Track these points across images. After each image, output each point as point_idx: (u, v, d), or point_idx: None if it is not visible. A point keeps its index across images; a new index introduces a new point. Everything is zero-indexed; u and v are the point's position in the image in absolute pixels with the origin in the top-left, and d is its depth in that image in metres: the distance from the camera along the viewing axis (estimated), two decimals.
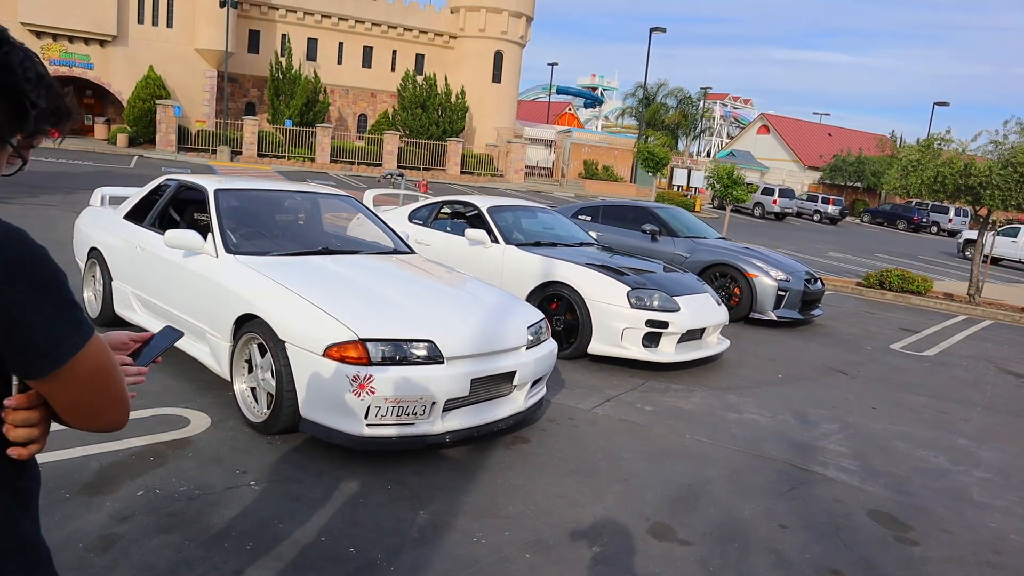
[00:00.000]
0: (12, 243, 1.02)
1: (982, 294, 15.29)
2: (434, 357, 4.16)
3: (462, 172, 36.26)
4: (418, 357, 4.11)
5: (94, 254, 6.32)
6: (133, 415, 4.47)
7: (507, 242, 7.75)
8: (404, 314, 4.37)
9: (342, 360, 3.98)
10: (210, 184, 5.51)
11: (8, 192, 14.95)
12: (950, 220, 42.17)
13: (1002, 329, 12.59)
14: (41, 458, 3.58)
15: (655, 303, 6.92)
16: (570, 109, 62.06)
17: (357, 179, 29.72)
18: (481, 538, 3.50)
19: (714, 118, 48.46)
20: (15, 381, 1.10)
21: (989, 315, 13.58)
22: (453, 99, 36.24)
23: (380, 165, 34.13)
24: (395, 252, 5.69)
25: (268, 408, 4.40)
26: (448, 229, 8.55)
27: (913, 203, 43.86)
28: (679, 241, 10.73)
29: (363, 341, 4.01)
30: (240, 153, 31.32)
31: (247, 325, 4.50)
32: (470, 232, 7.70)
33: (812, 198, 42.15)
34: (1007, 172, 13.49)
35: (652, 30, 38.42)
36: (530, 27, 40.44)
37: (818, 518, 4.19)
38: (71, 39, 31.14)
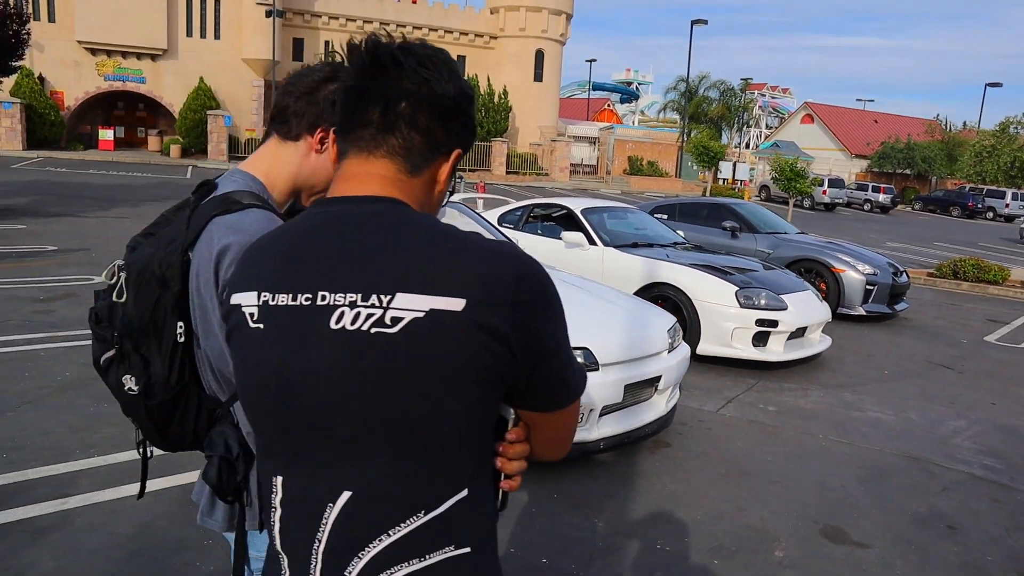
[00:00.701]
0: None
1: None
2: (590, 364, 4.17)
3: (507, 172, 36.32)
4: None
5: None
6: None
7: (605, 244, 7.73)
8: (600, 327, 4.41)
9: None
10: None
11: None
12: (1007, 205, 40.86)
13: None
14: None
15: (763, 302, 6.84)
16: (608, 105, 61.69)
17: None
18: (664, 545, 3.49)
19: (757, 110, 47.68)
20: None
21: None
22: (496, 99, 36.30)
23: None
24: None
25: None
26: (540, 232, 8.55)
27: (967, 188, 42.75)
28: (760, 237, 10.60)
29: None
30: None
31: None
32: (567, 235, 7.69)
33: (862, 187, 41.29)
34: None
35: (694, 22, 37.99)
36: (570, 24, 40.31)
37: (984, 519, 4.10)
38: (124, 55, 31.87)
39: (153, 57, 32.30)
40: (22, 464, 3.75)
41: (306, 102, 1.48)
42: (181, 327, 1.40)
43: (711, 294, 6.85)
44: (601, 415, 4.25)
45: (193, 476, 3.74)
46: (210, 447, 1.39)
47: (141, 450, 1.56)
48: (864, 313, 9.59)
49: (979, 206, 41.16)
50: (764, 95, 74.83)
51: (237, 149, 31.93)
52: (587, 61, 57.82)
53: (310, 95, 1.48)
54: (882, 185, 40.29)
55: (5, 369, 5.17)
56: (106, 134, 31.67)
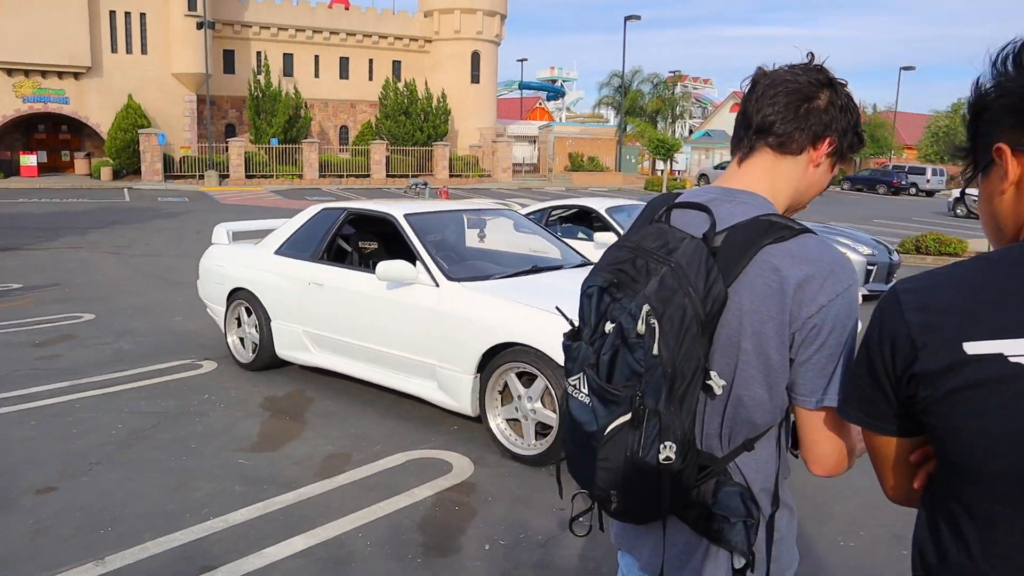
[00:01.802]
0: None
1: None
2: None
3: (451, 175, 35.93)
4: None
5: (240, 295, 5.98)
6: (395, 463, 4.22)
7: None
8: None
9: None
10: (395, 210, 5.25)
11: (23, 238, 14.36)
12: (928, 181, 43.00)
13: None
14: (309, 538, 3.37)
15: None
16: (540, 103, 61.93)
17: (351, 192, 29.24)
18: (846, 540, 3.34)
19: (690, 101, 48.73)
20: None
21: None
22: (434, 103, 35.88)
23: (368, 176, 33.65)
24: (584, 264, 5.48)
25: (537, 439, 4.20)
26: (561, 234, 8.34)
27: (891, 167, 44.68)
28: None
29: None
30: (228, 176, 30.57)
31: (500, 355, 4.28)
32: (600, 235, 7.51)
33: None
34: None
35: (627, 18, 38.44)
36: (504, 25, 40.22)
37: None
38: (44, 74, 30.03)
39: (76, 75, 30.56)
40: (136, 537, 3.32)
41: (804, 112, 1.32)
42: (714, 377, 1.25)
43: None
44: None
45: (325, 532, 3.40)
46: (726, 510, 1.28)
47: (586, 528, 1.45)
48: (867, 293, 9.74)
49: (903, 183, 43.12)
50: (687, 86, 76.56)
51: (172, 168, 30.55)
52: (518, 61, 57.83)
53: (806, 104, 1.32)
54: None
55: (48, 426, 4.65)
56: (28, 159, 29.76)
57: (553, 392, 4.04)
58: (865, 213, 28.28)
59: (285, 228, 5.96)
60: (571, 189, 35.94)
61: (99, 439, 4.45)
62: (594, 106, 47.65)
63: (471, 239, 5.90)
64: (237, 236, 6.64)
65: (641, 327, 1.18)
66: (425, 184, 17.45)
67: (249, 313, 5.99)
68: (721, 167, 42.23)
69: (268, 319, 5.76)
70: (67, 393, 5.31)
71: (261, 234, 6.86)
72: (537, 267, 5.15)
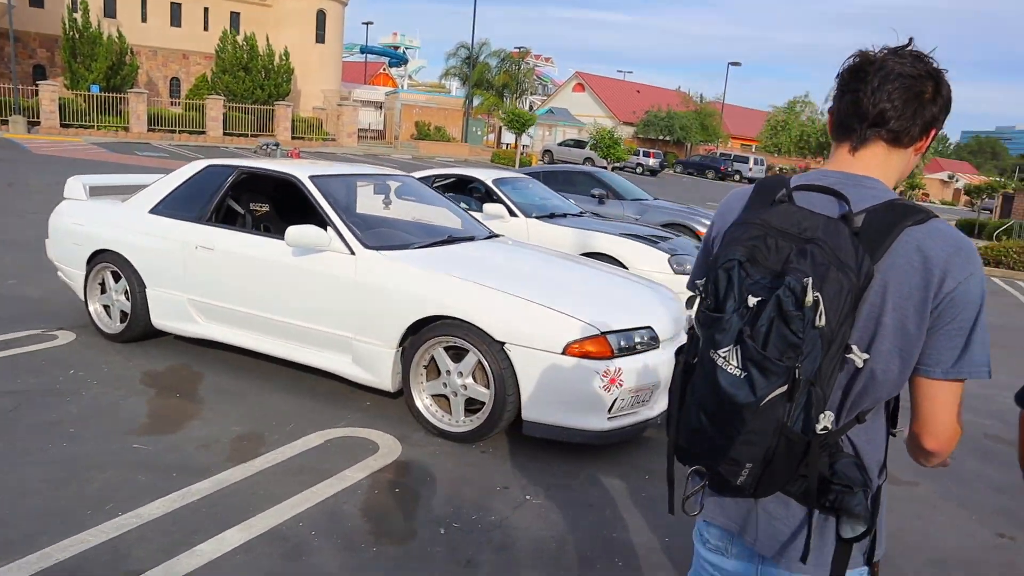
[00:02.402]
0: None
1: None
2: (653, 342, 4.07)
3: (292, 137, 34.12)
4: (642, 345, 4.01)
5: (105, 258, 5.29)
6: (314, 444, 3.91)
7: (526, 215, 7.56)
8: (611, 303, 4.21)
9: (585, 356, 3.79)
10: (298, 171, 4.82)
11: None
12: (750, 169, 46.76)
13: None
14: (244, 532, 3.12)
15: (689, 267, 7.13)
16: (384, 69, 60.25)
17: (185, 150, 26.97)
18: None
19: (536, 78, 49.40)
20: None
21: None
22: (276, 61, 33.78)
23: (204, 132, 31.19)
24: (492, 236, 5.35)
25: (467, 416, 4.07)
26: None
27: (719, 154, 48.10)
28: (627, 204, 11.02)
29: (604, 335, 3.86)
30: (39, 123, 27.07)
31: (426, 329, 4.08)
32: (489, 207, 7.38)
33: (634, 152, 44.65)
34: None
35: None
36: None
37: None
38: None
39: None
40: (30, 543, 2.82)
41: (917, 108, 1.38)
42: (855, 350, 1.31)
43: (645, 262, 7.00)
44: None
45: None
46: (846, 479, 1.33)
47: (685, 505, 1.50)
48: None
49: (729, 170, 46.59)
50: (529, 63, 77.60)
51: None
52: (363, 24, 55.74)
53: (919, 98, 1.38)
54: (651, 151, 43.88)
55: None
56: None
57: (487, 367, 3.91)
58: (700, 195, 30.15)
59: (160, 184, 5.31)
60: (417, 158, 35.40)
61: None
62: (441, 76, 46.97)
63: (376, 206, 5.58)
64: (95, 191, 5.84)
65: (809, 299, 1.21)
66: (277, 145, 16.38)
67: (117, 278, 5.31)
68: (565, 144, 43.43)
69: (142, 286, 5.14)
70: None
71: (124, 190, 6.10)
72: (452, 237, 4.96)
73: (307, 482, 3.47)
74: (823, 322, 1.21)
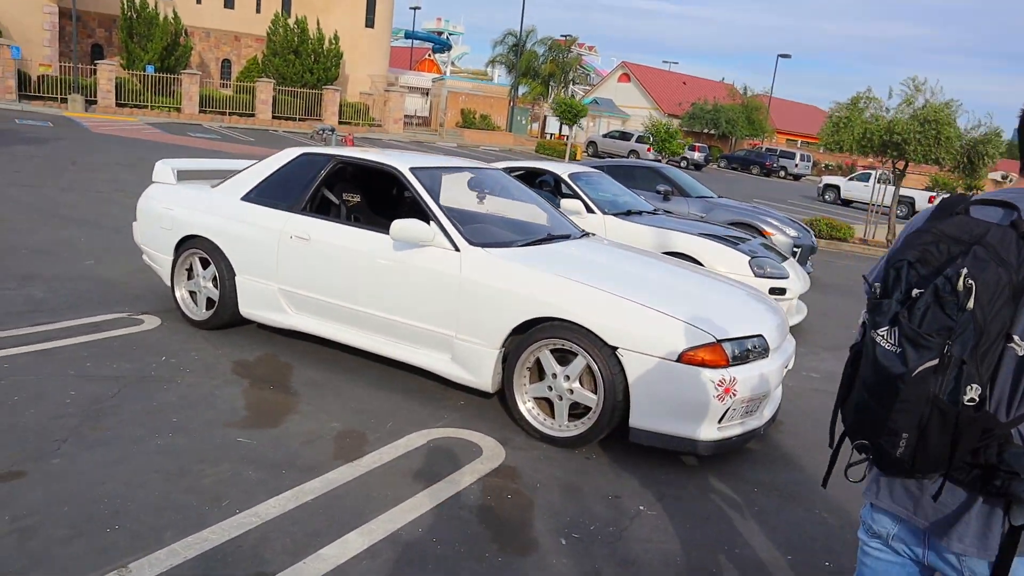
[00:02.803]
0: None
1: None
2: (764, 351, 3.92)
3: (340, 122, 34.27)
4: (754, 354, 3.86)
5: (195, 244, 5.26)
6: (417, 444, 3.83)
7: (603, 212, 7.40)
8: (722, 309, 4.05)
9: (703, 364, 3.66)
10: (398, 162, 4.73)
11: None
12: (796, 165, 45.97)
13: None
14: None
15: (770, 270, 6.91)
16: (429, 55, 60.23)
17: (236, 131, 27.24)
18: None
19: (581, 67, 48.89)
20: None
21: None
22: (326, 45, 33.90)
23: (253, 115, 31.48)
24: (586, 235, 5.21)
25: (570, 420, 3.95)
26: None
27: (764, 149, 47.23)
28: (692, 201, 10.77)
29: (720, 343, 3.71)
30: (95, 102, 27.53)
31: (534, 331, 3.96)
32: (566, 203, 7.24)
33: (689, 146, 44.02)
34: (926, 129, 14.72)
35: None
36: None
37: None
38: None
39: None
40: (155, 538, 2.77)
41: None
42: (1016, 340, 1.40)
43: (726, 264, 6.80)
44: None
45: None
46: (1018, 466, 1.39)
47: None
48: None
49: (775, 165, 45.75)
50: (575, 52, 76.99)
51: (28, 87, 27.09)
52: (411, 8, 55.72)
53: None
54: (696, 144, 43.24)
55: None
56: None
57: (597, 372, 3.78)
58: (745, 192, 29.62)
59: (253, 172, 5.26)
60: (462, 146, 35.36)
61: (53, 410, 3.74)
62: (487, 63, 46.83)
63: (466, 200, 5.47)
64: (183, 176, 5.83)
65: (960, 285, 1.35)
66: (332, 130, 16.37)
67: (205, 265, 5.29)
68: (610, 136, 42.95)
69: (232, 273, 5.10)
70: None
71: (212, 175, 6.09)
72: (551, 236, 4.84)
73: (418, 485, 3.38)
74: (973, 305, 1.34)
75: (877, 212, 17.45)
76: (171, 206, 5.43)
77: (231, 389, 4.27)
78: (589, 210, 7.39)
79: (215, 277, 5.23)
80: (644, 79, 56.13)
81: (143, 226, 5.67)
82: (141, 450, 3.44)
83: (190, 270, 5.43)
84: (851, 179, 33.62)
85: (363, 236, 4.53)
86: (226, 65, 35.69)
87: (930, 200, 29.83)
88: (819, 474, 4.02)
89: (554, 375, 3.96)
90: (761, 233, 10.08)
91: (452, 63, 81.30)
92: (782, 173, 46.29)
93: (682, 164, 43.28)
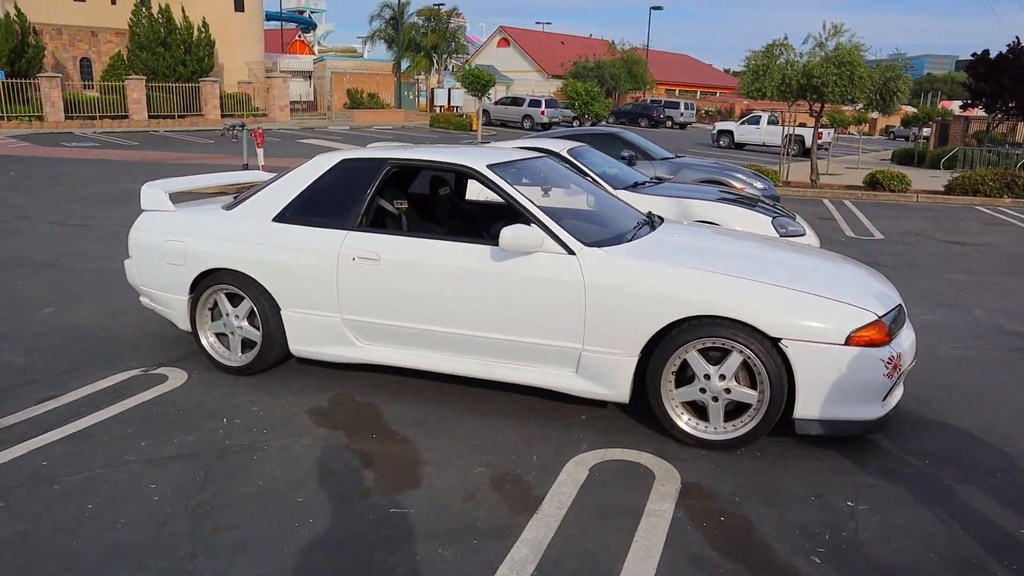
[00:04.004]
0: None
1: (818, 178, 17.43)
2: (904, 320, 3.78)
3: (223, 115, 32.10)
4: (898, 324, 3.71)
5: (220, 278, 4.52)
6: (581, 476, 3.40)
7: (615, 187, 7.05)
8: (855, 284, 3.85)
9: (869, 344, 3.45)
10: (471, 160, 4.18)
11: None
12: (681, 115, 47.33)
13: (873, 207, 14.55)
14: None
15: (791, 229, 6.82)
16: (299, 36, 57.33)
17: (114, 137, 24.90)
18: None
19: (462, 37, 47.87)
20: None
21: (830, 195, 15.51)
22: (196, 34, 31.47)
23: (127, 117, 28.91)
24: (662, 219, 4.84)
25: (728, 421, 3.65)
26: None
27: (649, 101, 48.21)
28: (657, 164, 10.60)
29: (881, 319, 3.53)
30: None
31: (678, 333, 3.60)
32: None
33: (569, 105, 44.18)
34: (842, 71, 15.20)
35: None
36: None
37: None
38: None
39: None
40: None
41: None
42: None
43: (751, 228, 6.64)
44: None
45: None
46: None
47: None
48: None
49: (661, 116, 46.81)
50: (457, 21, 75.47)
51: None
52: None
53: None
54: None
55: (33, 508, 3.11)
56: None
57: (761, 366, 3.50)
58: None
59: (279, 187, 4.55)
60: (355, 128, 34.02)
61: (148, 516, 3.04)
62: (365, 38, 44.94)
63: (534, 194, 4.96)
64: (177, 198, 5.03)
65: None
66: (243, 126, 15.04)
67: (235, 301, 4.58)
68: (501, 102, 42.45)
69: (275, 307, 4.43)
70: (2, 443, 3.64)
71: (205, 194, 5.31)
72: (641, 224, 4.45)
73: (626, 526, 2.98)
74: None
75: (787, 154, 17.94)
76: (180, 237, 4.65)
77: (332, 446, 3.68)
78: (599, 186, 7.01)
79: (252, 314, 4.53)
80: (523, 42, 55.85)
81: (142, 264, 4.85)
82: (294, 547, 2.85)
83: (213, 310, 4.69)
84: (742, 123, 34.88)
85: (450, 249, 3.98)
86: (86, 64, 32.56)
87: (818, 136, 31.42)
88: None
89: (706, 376, 3.63)
90: (732, 188, 10.06)
91: (319, 43, 78.09)
92: (669, 123, 47.50)
93: (574, 124, 43.58)
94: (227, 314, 4.60)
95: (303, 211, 4.40)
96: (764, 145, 33.05)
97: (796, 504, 3.19)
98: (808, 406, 3.54)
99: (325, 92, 38.40)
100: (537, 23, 60.52)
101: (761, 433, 3.60)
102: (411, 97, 43.30)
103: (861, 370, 3.47)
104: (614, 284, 3.67)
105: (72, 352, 4.94)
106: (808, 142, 31.48)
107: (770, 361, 3.49)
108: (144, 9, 29.81)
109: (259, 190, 4.65)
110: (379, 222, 4.63)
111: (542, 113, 39.78)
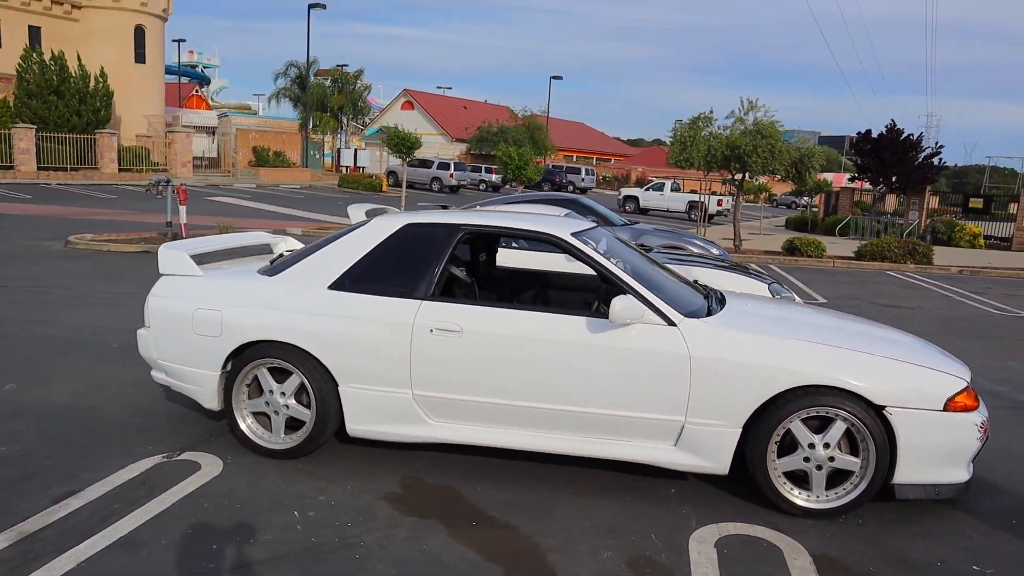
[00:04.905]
0: None
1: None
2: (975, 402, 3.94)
3: (120, 170, 30.44)
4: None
5: (263, 352, 4.16)
6: (717, 558, 3.29)
7: None
8: (932, 354, 4.00)
9: (964, 410, 3.62)
10: (554, 228, 4.11)
11: None
12: (582, 180, 49.12)
13: (798, 271, 15.44)
14: None
15: (784, 295, 7.10)
16: (197, 91, 55.64)
17: (3, 188, 23.02)
18: None
19: (367, 96, 47.91)
20: None
21: (755, 260, 16.40)
22: (92, 83, 29.91)
23: (12, 168, 26.87)
24: (718, 291, 4.91)
25: (829, 490, 3.68)
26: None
27: (551, 166, 49.77)
28: (618, 230, 10.85)
29: (970, 385, 3.69)
30: None
31: (784, 402, 3.62)
32: None
33: (475, 169, 44.99)
34: (764, 143, 16.29)
35: (311, 6, 36.52)
36: None
37: None
38: None
39: None
40: None
41: None
42: None
43: (750, 292, 6.85)
44: None
45: None
46: None
47: None
48: None
49: (563, 181, 48.34)
50: (364, 82, 75.46)
51: None
52: (175, 41, 51.10)
53: None
54: (493, 167, 44.35)
55: None
56: None
57: (866, 433, 3.58)
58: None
59: (336, 251, 4.27)
60: (261, 186, 33.19)
61: None
62: (270, 96, 44.13)
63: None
64: (203, 259, 4.66)
65: None
66: (167, 182, 14.28)
67: (280, 377, 4.22)
68: (411, 164, 42.56)
69: (333, 383, 4.12)
70: (33, 559, 3.12)
71: (230, 254, 4.97)
72: (710, 293, 4.49)
73: None
74: None
75: (704, 220, 18.86)
76: (215, 305, 4.26)
77: (434, 538, 3.40)
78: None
79: (299, 391, 4.19)
80: (427, 105, 56.60)
81: (163, 335, 4.40)
82: None
83: (252, 387, 4.31)
84: (647, 189, 36.53)
85: (543, 320, 3.85)
86: None
87: (719, 203, 33.28)
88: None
89: (811, 445, 3.64)
90: (690, 253, 10.41)
91: (212, 98, 76.14)
92: (570, 188, 49.04)
93: (480, 187, 44.27)
94: (270, 391, 4.23)
95: (365, 279, 4.15)
96: (668, 211, 34.71)
97: (928, 570, 3.22)
98: (908, 471, 3.63)
99: (230, 149, 37.23)
100: (438, 87, 61.47)
101: (866, 499, 3.64)
102: (317, 156, 42.68)
103: (957, 435, 3.61)
104: (720, 356, 3.66)
105: (65, 438, 4.36)
106: (711, 209, 33.40)
107: (876, 428, 3.56)
108: (35, 55, 28.10)
109: (306, 255, 4.37)
110: (448, 291, 4.44)
111: (451, 176, 40.18)
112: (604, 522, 3.58)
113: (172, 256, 4.48)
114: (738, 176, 17.24)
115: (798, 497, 3.71)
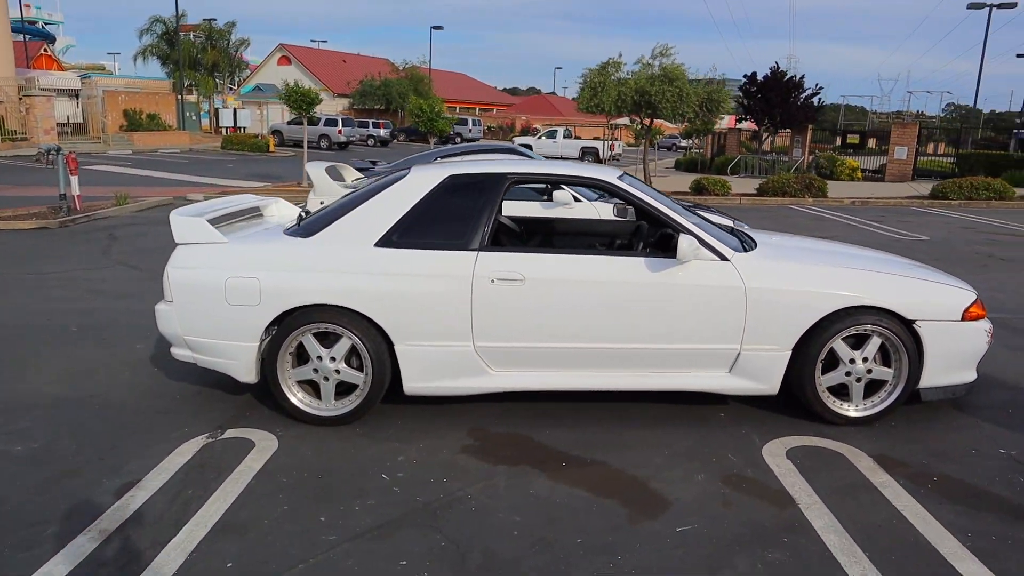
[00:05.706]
0: None
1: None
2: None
3: None
4: None
5: (307, 317, 4.07)
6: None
7: (589, 199, 7.30)
8: (939, 272, 4.48)
9: (976, 319, 4.13)
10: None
11: None
12: (470, 131, 49.01)
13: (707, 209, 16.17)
14: None
15: (745, 230, 7.54)
16: (45, 50, 50.44)
17: None
18: None
19: (243, 52, 45.15)
20: None
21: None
22: None
23: None
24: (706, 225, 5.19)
25: (868, 399, 4.11)
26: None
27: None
28: None
29: (979, 297, 4.18)
30: None
31: (828, 324, 3.97)
32: (558, 194, 7.04)
33: (363, 124, 43.77)
34: (672, 89, 16.84)
35: None
36: None
37: None
38: None
39: None
40: None
41: None
42: None
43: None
44: None
45: None
46: None
47: None
48: None
49: (451, 132, 47.91)
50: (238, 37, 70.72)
51: None
52: None
53: None
54: (381, 121, 43.35)
55: None
56: None
57: (899, 347, 4.02)
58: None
59: (376, 207, 4.15)
60: (137, 152, 30.92)
61: None
62: (136, 55, 40.81)
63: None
64: (217, 222, 4.45)
65: None
66: (58, 150, 13.03)
67: (328, 341, 4.14)
68: (295, 123, 40.76)
69: (387, 343, 4.10)
70: (134, 557, 3.01)
71: (242, 215, 4.78)
72: (735, 230, 4.77)
73: (875, 499, 3.24)
74: None
75: (606, 163, 19.42)
76: (251, 272, 4.09)
77: (536, 484, 3.51)
78: (576, 199, 7.25)
79: (350, 354, 4.14)
80: (305, 60, 54.16)
81: (191, 309, 4.16)
82: None
83: (295, 355, 4.21)
84: (539, 137, 36.88)
85: (604, 263, 3.99)
86: None
87: (611, 148, 34.12)
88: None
89: (852, 360, 4.02)
90: None
91: (59, 59, 69.52)
92: (458, 139, 48.71)
93: (368, 142, 43.16)
94: (319, 357, 4.14)
95: (413, 233, 4.12)
96: (562, 157, 35.24)
97: (967, 458, 3.69)
98: (933, 376, 4.09)
99: (98, 113, 34.36)
100: (312, 41, 58.64)
101: (898, 404, 4.07)
102: (193, 118, 40.17)
103: (971, 341, 4.09)
104: (772, 286, 3.94)
105: (82, 431, 4.03)
106: (602, 153, 34.18)
107: (908, 340, 3.97)
108: None
109: (342, 213, 4.26)
110: (497, 240, 4.47)
111: (339, 132, 38.93)
112: (681, 449, 3.82)
113: (190, 224, 4.24)
114: (646, 121, 17.78)
115: (844, 408, 4.09)
